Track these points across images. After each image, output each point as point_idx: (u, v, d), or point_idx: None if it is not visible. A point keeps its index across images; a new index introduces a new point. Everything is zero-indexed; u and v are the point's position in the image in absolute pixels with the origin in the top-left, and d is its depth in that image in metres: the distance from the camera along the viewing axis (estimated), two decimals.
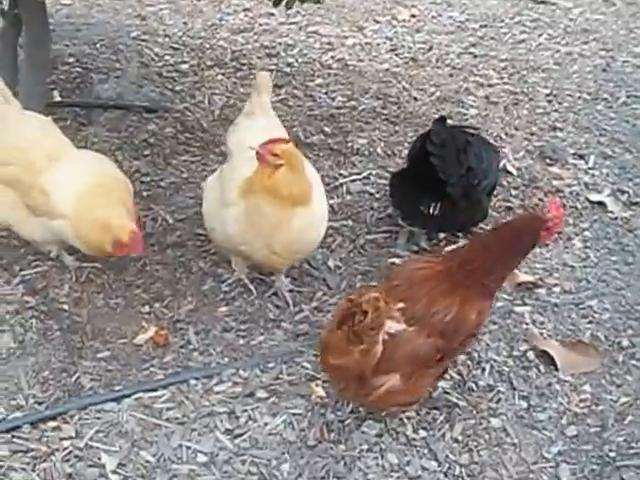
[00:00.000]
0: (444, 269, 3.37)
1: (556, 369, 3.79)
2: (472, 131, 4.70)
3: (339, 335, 3.16)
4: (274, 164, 3.60)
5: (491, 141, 4.95)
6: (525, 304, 4.15)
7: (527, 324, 4.03)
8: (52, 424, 3.39)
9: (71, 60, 6.04)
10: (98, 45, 6.31)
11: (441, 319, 3.27)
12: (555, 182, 5.04)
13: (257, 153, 3.60)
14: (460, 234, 4.56)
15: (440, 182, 4.18)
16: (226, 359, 3.74)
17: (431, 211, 4.35)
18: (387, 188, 4.66)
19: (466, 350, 3.69)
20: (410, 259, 4.18)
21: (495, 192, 4.69)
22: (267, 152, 3.59)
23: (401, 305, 3.26)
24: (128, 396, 3.52)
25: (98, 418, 3.43)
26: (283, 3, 4.36)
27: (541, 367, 3.81)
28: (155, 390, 3.57)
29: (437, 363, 3.35)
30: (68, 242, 3.93)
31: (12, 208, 3.91)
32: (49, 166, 3.82)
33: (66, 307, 3.96)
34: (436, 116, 4.81)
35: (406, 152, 4.83)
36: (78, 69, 5.94)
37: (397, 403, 3.39)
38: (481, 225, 4.56)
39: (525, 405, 3.63)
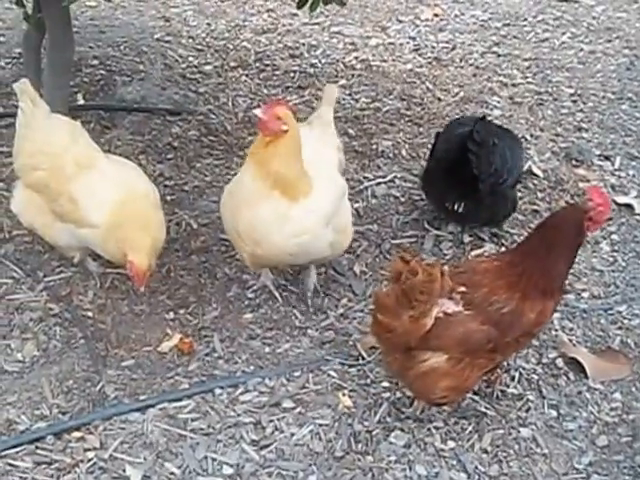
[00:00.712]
0: (504, 265, 3.38)
1: (586, 377, 3.75)
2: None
3: (391, 294, 3.20)
4: (278, 130, 3.52)
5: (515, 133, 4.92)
6: (554, 310, 4.07)
7: (556, 331, 3.98)
8: (76, 435, 3.37)
9: (95, 62, 6.03)
10: (122, 47, 6.31)
11: (498, 309, 3.28)
12: (581, 184, 4.98)
13: (259, 120, 3.54)
14: (487, 234, 4.54)
15: (468, 180, 4.25)
16: (252, 367, 3.72)
17: (456, 208, 4.43)
18: (412, 191, 4.68)
19: (522, 349, 3.67)
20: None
21: (521, 195, 4.67)
22: (270, 116, 3.52)
23: (462, 289, 3.28)
24: (153, 406, 3.50)
25: (122, 429, 3.41)
26: (307, 5, 4.31)
27: (570, 375, 3.77)
28: (180, 400, 3.54)
29: (488, 355, 3.33)
30: (94, 249, 3.91)
31: (38, 212, 3.90)
32: (78, 173, 3.79)
33: (90, 314, 3.94)
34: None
35: None
36: (102, 71, 5.93)
37: (441, 387, 3.33)
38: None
39: (555, 414, 3.59)
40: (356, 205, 4.65)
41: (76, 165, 3.80)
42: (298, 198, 3.63)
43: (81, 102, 5.44)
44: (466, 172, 4.26)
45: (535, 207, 4.78)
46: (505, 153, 4.40)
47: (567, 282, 4.16)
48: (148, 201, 3.87)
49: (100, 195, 3.77)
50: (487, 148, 4.29)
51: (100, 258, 4.05)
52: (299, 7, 4.35)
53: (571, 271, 4.23)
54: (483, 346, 3.28)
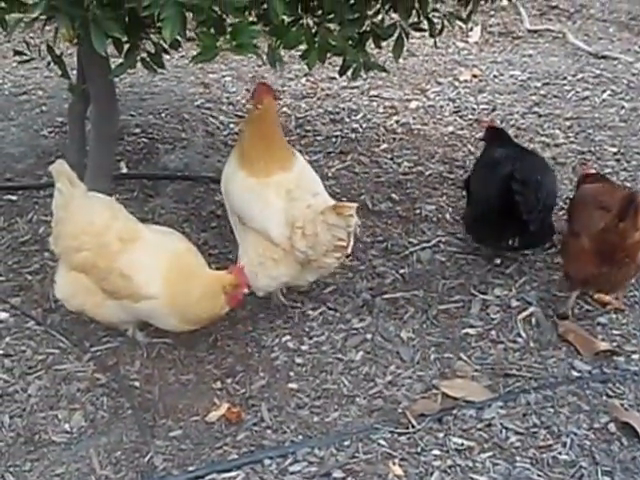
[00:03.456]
0: None
1: (639, 441, 3.67)
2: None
3: None
4: (255, 105, 4.18)
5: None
6: (604, 373, 4.02)
7: (607, 395, 3.91)
8: None
9: (137, 131, 6.10)
10: (163, 115, 6.37)
11: None
12: None
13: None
14: (534, 298, 4.49)
15: (519, 217, 4.35)
16: (300, 437, 3.67)
17: (511, 244, 4.59)
18: (458, 255, 4.71)
19: None
20: None
21: None
22: (259, 92, 4.19)
23: None
24: (202, 477, 3.46)
25: None
26: (349, 73, 4.34)
27: (624, 440, 3.67)
28: (229, 470, 3.50)
29: None
30: (150, 321, 3.94)
31: (87, 293, 3.90)
32: (124, 248, 3.82)
33: (137, 384, 3.92)
34: None
35: None
36: (144, 139, 5.99)
37: None
38: None
39: None
40: (401, 271, 4.65)
41: (120, 241, 3.82)
42: (259, 176, 4.09)
43: (124, 171, 5.49)
44: (516, 212, 4.34)
45: None
46: (547, 185, 4.53)
47: (616, 344, 4.15)
48: (196, 257, 3.96)
49: (151, 266, 3.80)
50: (532, 186, 4.35)
51: (148, 327, 4.06)
52: (341, 74, 4.38)
53: (619, 333, 4.24)
54: None
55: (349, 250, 4.06)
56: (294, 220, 3.98)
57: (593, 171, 4.86)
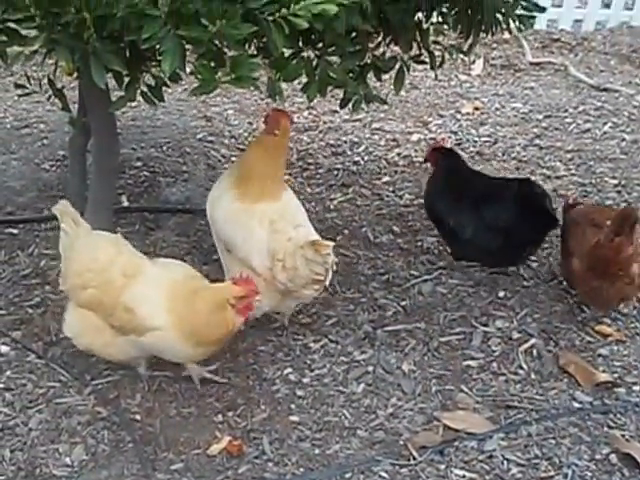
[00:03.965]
0: None
1: None
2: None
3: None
4: (271, 129, 4.19)
5: None
6: (605, 404, 4.02)
7: (608, 426, 3.90)
8: None
9: (138, 164, 6.11)
10: (165, 148, 6.39)
11: None
12: None
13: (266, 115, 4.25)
14: (536, 330, 4.49)
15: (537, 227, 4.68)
16: (302, 470, 3.65)
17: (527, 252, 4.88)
18: (459, 287, 4.73)
19: None
20: None
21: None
22: (275, 116, 4.22)
23: None
24: None
25: None
26: (350, 105, 4.35)
27: (625, 471, 3.66)
28: None
29: None
30: (160, 354, 3.93)
31: (95, 331, 3.89)
32: (127, 283, 3.81)
33: (138, 417, 3.90)
34: None
35: None
36: (146, 173, 6.00)
37: None
38: None
39: None
40: (403, 303, 4.65)
41: (124, 276, 3.82)
42: (245, 201, 4.16)
43: (125, 204, 5.49)
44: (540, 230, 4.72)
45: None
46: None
47: (617, 375, 4.13)
48: (200, 280, 3.95)
49: (153, 297, 3.80)
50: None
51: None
52: (342, 107, 4.39)
53: (620, 364, 4.23)
54: None
55: (327, 283, 4.10)
56: (275, 253, 4.01)
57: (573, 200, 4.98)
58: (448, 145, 5.43)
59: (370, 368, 4.18)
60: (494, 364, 4.23)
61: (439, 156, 5.05)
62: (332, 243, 3.92)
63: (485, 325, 4.49)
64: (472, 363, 4.24)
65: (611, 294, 4.33)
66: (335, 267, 4.11)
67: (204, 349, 3.87)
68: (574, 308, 4.63)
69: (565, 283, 4.73)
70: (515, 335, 4.44)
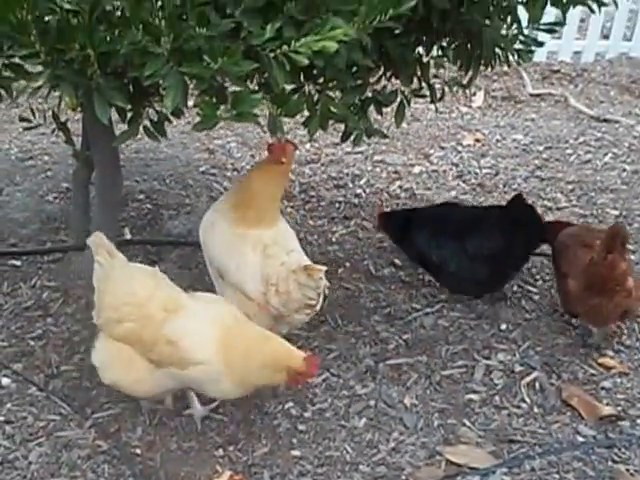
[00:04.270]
0: None
1: None
2: None
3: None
4: (278, 158, 4.20)
5: None
6: (609, 438, 4.00)
7: (612, 460, 3.88)
8: None
9: (141, 197, 6.12)
10: (168, 180, 6.41)
11: None
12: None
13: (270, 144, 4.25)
14: (538, 363, 4.48)
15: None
16: None
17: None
18: (461, 320, 4.76)
19: None
20: None
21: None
22: (280, 146, 4.21)
23: None
24: None
25: None
26: (351, 139, 4.36)
27: None
28: None
29: None
30: (197, 387, 3.87)
31: (126, 365, 3.80)
32: (168, 317, 3.73)
33: (139, 451, 3.88)
34: None
35: None
36: (148, 205, 6.01)
37: None
38: None
39: None
40: (404, 336, 4.64)
41: (164, 310, 3.74)
42: (239, 227, 4.21)
43: (128, 237, 5.49)
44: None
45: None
46: None
47: (621, 408, 4.12)
48: (252, 324, 3.89)
49: (198, 331, 3.74)
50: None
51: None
52: (343, 140, 4.40)
53: (624, 397, 4.22)
54: None
55: (318, 308, 4.11)
56: (268, 277, 4.04)
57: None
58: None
59: (372, 402, 4.16)
60: (496, 397, 4.22)
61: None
62: (324, 267, 3.93)
63: (487, 358, 4.49)
64: (474, 397, 4.23)
65: (611, 309, 4.39)
66: (327, 292, 4.12)
67: (242, 391, 3.84)
68: (576, 340, 4.63)
69: (563, 312, 4.77)
70: (517, 368, 4.43)
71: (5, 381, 4.25)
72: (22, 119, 4.84)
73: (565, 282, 4.52)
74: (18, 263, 5.20)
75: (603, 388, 4.30)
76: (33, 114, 4.83)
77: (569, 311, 4.68)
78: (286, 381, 3.77)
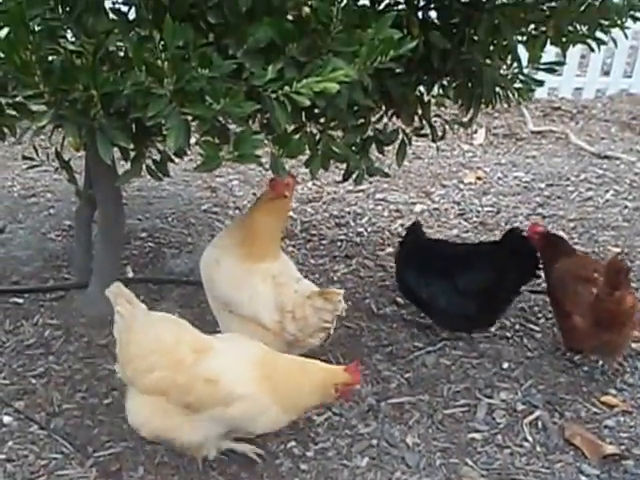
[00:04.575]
0: None
1: None
2: None
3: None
4: (281, 192, 4.26)
5: None
6: (612, 477, 3.98)
7: None
8: None
9: (143, 235, 6.13)
10: (170, 219, 6.42)
11: None
12: (634, 345, 4.92)
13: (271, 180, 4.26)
14: (540, 402, 4.47)
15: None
16: None
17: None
18: (463, 359, 4.73)
19: None
20: None
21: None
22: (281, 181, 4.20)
23: None
24: None
25: None
26: (352, 178, 4.38)
27: None
28: None
29: None
30: (242, 424, 3.78)
31: (164, 416, 3.69)
32: (199, 358, 3.67)
33: None
34: None
35: None
36: (150, 244, 6.02)
37: None
38: None
39: None
40: (406, 375, 4.63)
41: (194, 352, 3.68)
42: (246, 262, 4.26)
43: (130, 275, 5.50)
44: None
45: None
46: None
47: (624, 447, 4.11)
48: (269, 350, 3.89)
49: (234, 367, 3.70)
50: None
51: None
52: (345, 179, 4.42)
53: (627, 436, 4.20)
54: None
55: (332, 331, 4.23)
56: (283, 305, 4.14)
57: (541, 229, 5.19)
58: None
59: (374, 441, 4.15)
60: (499, 436, 4.21)
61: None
62: (342, 291, 4.09)
63: (489, 397, 4.48)
64: (477, 436, 4.21)
65: (620, 342, 4.48)
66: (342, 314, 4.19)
67: (296, 415, 3.84)
68: (579, 379, 4.62)
69: (566, 349, 4.79)
70: (520, 407, 4.42)
71: (7, 419, 4.24)
72: (25, 158, 4.87)
73: (570, 320, 4.52)
74: (20, 301, 5.20)
75: (606, 427, 4.29)
76: (36, 152, 4.86)
77: (574, 348, 4.70)
78: (337, 396, 3.83)
